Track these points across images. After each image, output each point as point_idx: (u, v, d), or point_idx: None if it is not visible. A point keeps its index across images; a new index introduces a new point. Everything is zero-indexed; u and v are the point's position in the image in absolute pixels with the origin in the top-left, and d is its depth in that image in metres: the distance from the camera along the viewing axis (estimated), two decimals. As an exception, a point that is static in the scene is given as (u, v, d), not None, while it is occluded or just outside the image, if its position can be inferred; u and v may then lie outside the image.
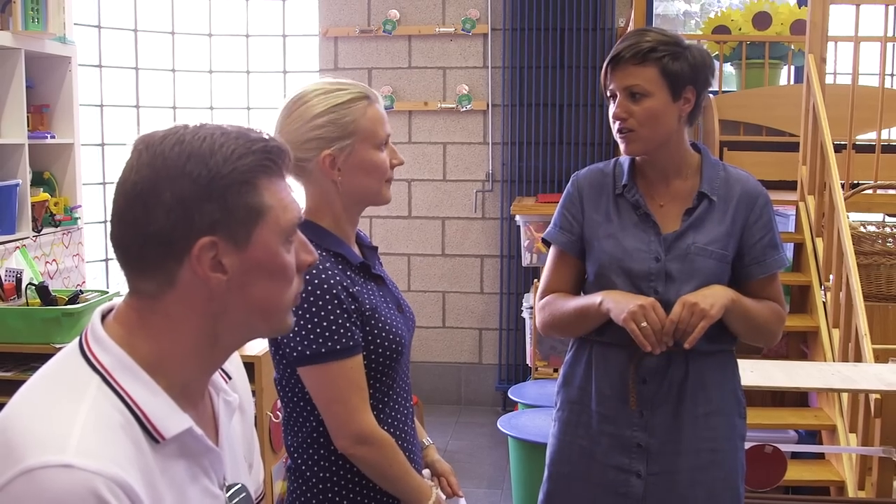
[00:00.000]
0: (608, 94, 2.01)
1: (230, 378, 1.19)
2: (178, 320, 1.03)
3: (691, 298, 1.88)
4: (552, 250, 2.13)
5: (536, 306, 2.14)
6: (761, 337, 2.06)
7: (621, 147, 2.01)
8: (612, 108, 2.00)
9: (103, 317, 1.06)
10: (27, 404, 0.98)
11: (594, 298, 1.97)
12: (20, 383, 1.04)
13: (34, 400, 0.99)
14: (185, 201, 0.99)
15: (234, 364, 1.24)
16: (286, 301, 1.08)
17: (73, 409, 0.96)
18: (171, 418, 1.01)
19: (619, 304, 1.90)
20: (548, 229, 2.13)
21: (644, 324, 1.85)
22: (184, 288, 1.02)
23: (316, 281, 1.59)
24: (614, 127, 2.00)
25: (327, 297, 1.59)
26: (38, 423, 0.95)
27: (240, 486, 1.14)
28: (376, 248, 1.81)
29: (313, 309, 1.59)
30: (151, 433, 0.99)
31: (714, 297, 1.89)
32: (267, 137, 1.06)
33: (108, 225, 1.04)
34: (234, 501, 1.12)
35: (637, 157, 2.05)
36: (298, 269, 1.09)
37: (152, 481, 0.97)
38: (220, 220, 1.00)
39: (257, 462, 1.30)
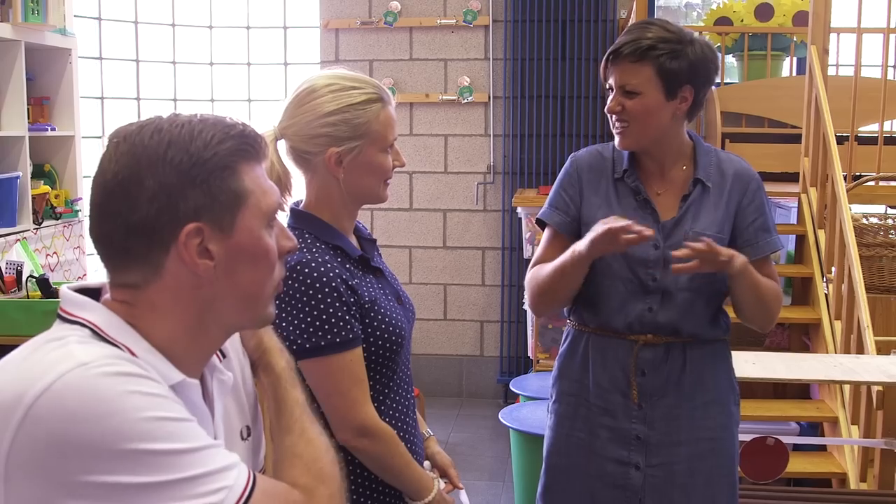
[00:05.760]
0: (607, 86, 2.01)
1: (224, 356, 1.18)
2: (164, 310, 1.02)
3: (715, 244, 1.86)
4: (546, 231, 2.11)
5: (525, 282, 2.13)
6: (763, 313, 2.03)
7: (616, 141, 2.02)
8: (609, 101, 2.00)
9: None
10: (7, 362, 0.97)
11: (567, 252, 1.96)
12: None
13: (14, 356, 0.97)
14: (169, 188, 0.99)
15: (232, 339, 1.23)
16: (269, 288, 1.08)
17: (62, 343, 0.96)
18: (167, 370, 1.01)
19: (587, 237, 1.89)
20: (542, 209, 2.11)
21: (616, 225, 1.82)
22: (170, 277, 1.01)
23: (315, 274, 1.59)
24: (611, 120, 2.01)
25: (326, 290, 1.59)
26: (28, 366, 0.93)
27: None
28: (375, 241, 1.80)
29: (312, 302, 1.58)
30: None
31: (733, 254, 1.88)
32: (242, 123, 1.06)
33: (87, 219, 1.04)
34: None
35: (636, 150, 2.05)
36: (279, 254, 1.09)
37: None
38: (205, 205, 1.00)
39: (261, 438, 1.29)
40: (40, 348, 0.97)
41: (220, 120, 1.04)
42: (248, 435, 1.20)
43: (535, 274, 2.07)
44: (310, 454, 1.10)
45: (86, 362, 0.91)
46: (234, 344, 1.24)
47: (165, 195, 0.98)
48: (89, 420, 0.89)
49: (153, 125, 1.01)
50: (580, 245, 1.90)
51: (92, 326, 0.99)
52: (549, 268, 2.02)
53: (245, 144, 1.04)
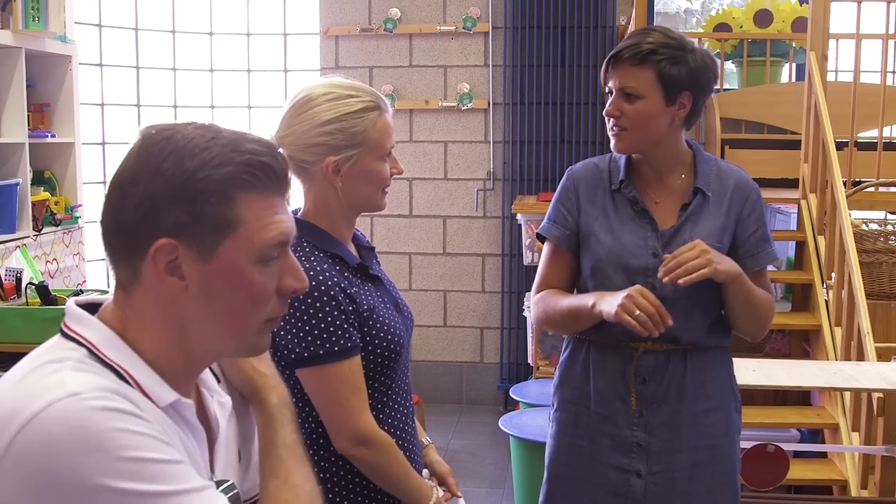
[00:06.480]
0: (606, 90, 2.01)
1: (220, 381, 1.18)
2: (146, 318, 1.01)
3: (706, 247, 1.86)
4: (546, 245, 2.12)
5: (532, 300, 2.14)
6: (755, 322, 2.04)
7: (612, 144, 2.02)
8: (608, 104, 2.00)
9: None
10: (4, 381, 0.97)
11: (586, 300, 1.96)
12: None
13: (10, 378, 0.97)
14: (155, 198, 0.98)
15: None
16: (254, 320, 1.04)
17: (57, 368, 0.95)
18: (161, 389, 1.00)
19: (609, 303, 1.89)
20: (542, 224, 2.12)
21: (637, 312, 1.83)
22: (147, 284, 1.00)
23: (314, 283, 1.59)
24: (608, 123, 2.00)
25: (325, 298, 1.59)
26: (21, 388, 0.93)
27: (230, 483, 1.12)
28: (374, 249, 1.80)
29: (311, 311, 1.58)
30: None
31: (724, 260, 1.89)
32: (260, 150, 1.02)
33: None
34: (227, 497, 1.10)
35: (632, 154, 2.05)
36: (281, 293, 1.05)
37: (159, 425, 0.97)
38: (186, 225, 0.98)
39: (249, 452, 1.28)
40: (38, 369, 0.96)
41: (234, 142, 1.01)
42: (240, 458, 1.19)
43: (546, 303, 2.07)
44: (293, 501, 1.09)
45: (77, 393, 0.91)
46: None
47: (150, 204, 0.98)
48: (73, 453, 0.88)
49: (171, 131, 1.01)
50: (605, 306, 1.89)
51: (88, 345, 0.99)
52: (562, 305, 2.03)
53: (247, 173, 1.00)
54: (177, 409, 1.02)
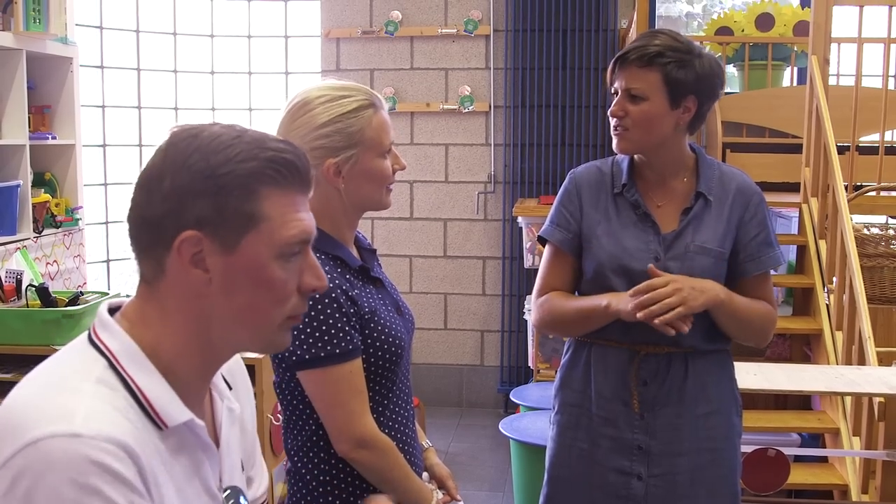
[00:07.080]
0: (612, 90, 2.01)
1: (231, 388, 1.18)
2: (170, 312, 1.03)
3: (680, 283, 1.87)
4: (548, 248, 2.12)
5: (533, 304, 2.13)
6: (751, 336, 2.05)
7: (614, 143, 2.02)
8: (612, 104, 2.01)
9: (113, 312, 1.07)
10: (31, 384, 0.99)
11: (600, 300, 1.96)
12: (20, 385, 1.04)
13: (38, 381, 0.99)
14: (180, 192, 1.00)
15: (239, 370, 1.23)
16: (275, 316, 1.05)
17: (77, 386, 0.96)
18: (175, 407, 1.01)
19: (628, 302, 1.89)
20: (544, 227, 2.12)
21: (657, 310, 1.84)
22: (172, 278, 1.02)
23: (315, 284, 1.59)
24: (612, 123, 2.01)
25: (326, 300, 1.58)
26: (41, 400, 0.95)
27: (236, 488, 1.13)
28: (375, 251, 1.80)
29: (312, 313, 1.58)
30: (155, 421, 0.99)
31: (702, 291, 1.88)
32: (284, 148, 1.04)
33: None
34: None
35: (635, 157, 2.05)
36: (301, 290, 1.06)
37: (155, 463, 0.97)
38: (210, 218, 1.00)
39: (261, 471, 1.29)
40: (63, 381, 0.97)
41: (259, 139, 1.03)
42: (242, 469, 1.20)
43: (551, 305, 2.07)
44: None
45: (79, 434, 0.91)
46: (243, 377, 1.24)
47: (176, 198, 1.00)
48: (47, 495, 0.88)
49: (197, 130, 1.03)
50: (625, 305, 1.89)
51: (109, 356, 1.00)
52: (570, 307, 2.02)
53: (271, 169, 1.02)
54: (189, 428, 1.03)
